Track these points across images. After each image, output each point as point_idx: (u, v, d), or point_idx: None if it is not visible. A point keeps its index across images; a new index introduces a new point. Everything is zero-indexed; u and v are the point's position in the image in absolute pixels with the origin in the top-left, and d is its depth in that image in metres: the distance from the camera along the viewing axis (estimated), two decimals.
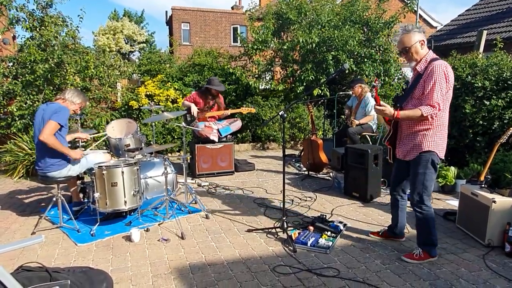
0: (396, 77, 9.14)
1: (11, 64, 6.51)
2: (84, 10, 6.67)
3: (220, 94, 6.05)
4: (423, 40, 2.91)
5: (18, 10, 6.23)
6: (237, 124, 6.11)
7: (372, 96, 3.01)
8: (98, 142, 5.19)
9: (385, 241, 3.50)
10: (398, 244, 3.41)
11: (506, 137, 3.71)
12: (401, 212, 3.35)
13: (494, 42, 6.58)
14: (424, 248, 3.09)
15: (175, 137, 7.54)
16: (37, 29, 6.32)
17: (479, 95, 5.30)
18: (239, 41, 9.52)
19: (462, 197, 3.71)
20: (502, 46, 6.49)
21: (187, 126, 4.85)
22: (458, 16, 13.53)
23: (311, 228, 3.64)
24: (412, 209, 3.13)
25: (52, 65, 6.17)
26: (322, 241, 3.39)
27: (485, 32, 6.43)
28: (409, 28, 2.93)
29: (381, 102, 2.94)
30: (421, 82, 2.86)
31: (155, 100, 7.86)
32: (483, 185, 3.62)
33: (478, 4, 13.40)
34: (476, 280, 2.81)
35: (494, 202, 3.25)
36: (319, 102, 8.69)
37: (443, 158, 3.01)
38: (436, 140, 2.91)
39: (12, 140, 6.06)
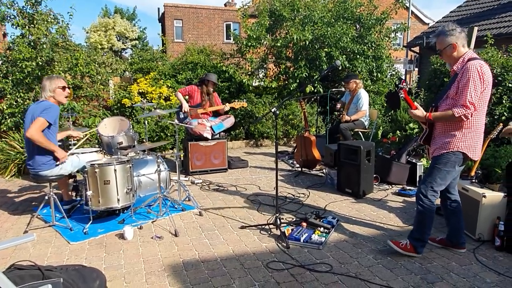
0: (389, 73, 9.19)
1: (0, 62, 6.44)
2: (74, 8, 6.61)
3: (215, 92, 6.05)
4: (456, 43, 2.81)
5: (8, 6, 6.15)
6: (230, 121, 6.11)
7: (401, 98, 2.96)
8: (91, 142, 5.15)
9: (377, 236, 3.54)
10: (390, 239, 3.44)
11: (496, 133, 3.75)
12: (453, 215, 3.16)
13: (485, 38, 6.64)
14: (412, 242, 3.10)
15: (168, 134, 7.52)
16: (27, 27, 6.25)
17: None
18: (232, 38, 9.49)
19: None
20: (492, 42, 6.56)
21: (180, 124, 4.84)
22: (450, 12, 13.61)
23: (304, 224, 3.66)
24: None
25: (40, 63, 6.10)
26: (315, 237, 3.41)
27: (476, 29, 6.46)
28: (443, 29, 2.86)
29: (415, 104, 2.90)
30: (455, 82, 2.81)
31: (147, 97, 7.82)
32: (473, 180, 3.66)
33: (469, 0, 13.49)
34: (466, 274, 2.85)
35: (484, 196, 3.29)
36: (312, 99, 8.71)
37: (475, 159, 2.96)
38: (466, 141, 2.85)
39: (3, 139, 6.01)
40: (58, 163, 3.77)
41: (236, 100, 6.20)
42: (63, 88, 3.81)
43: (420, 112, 2.93)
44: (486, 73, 2.74)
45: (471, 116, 2.76)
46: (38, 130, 3.54)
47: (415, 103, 2.96)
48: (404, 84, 2.97)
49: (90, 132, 5.06)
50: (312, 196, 4.77)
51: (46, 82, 3.75)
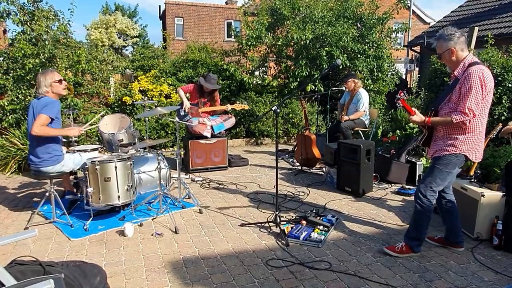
0: (389, 73, 9.19)
1: (1, 58, 6.44)
2: (75, 4, 6.60)
3: (217, 92, 6.05)
4: (454, 48, 2.82)
5: (9, 3, 6.15)
6: (231, 121, 6.11)
7: (399, 107, 3.00)
8: (92, 139, 5.16)
9: (376, 235, 3.55)
10: (389, 238, 3.47)
11: (496, 133, 3.77)
12: (448, 214, 3.18)
13: (485, 38, 6.65)
14: (408, 242, 3.11)
15: (169, 132, 7.53)
16: (28, 23, 6.25)
17: None
18: (233, 36, 9.48)
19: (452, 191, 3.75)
20: (493, 42, 6.56)
21: (181, 121, 4.84)
22: (451, 12, 13.62)
23: (304, 222, 3.68)
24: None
25: (43, 60, 6.11)
26: (314, 235, 3.43)
27: (476, 29, 6.47)
28: (442, 33, 2.86)
29: (414, 110, 2.94)
30: (457, 87, 2.81)
31: (148, 95, 7.83)
32: (472, 180, 3.67)
33: (470, 0, 13.50)
34: (464, 272, 2.87)
35: (483, 196, 3.30)
36: (313, 98, 8.71)
37: (476, 161, 3.01)
38: (469, 144, 2.86)
39: (3, 135, 6.02)
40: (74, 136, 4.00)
41: (238, 102, 6.21)
42: (59, 81, 3.81)
43: (418, 117, 2.96)
44: (487, 79, 2.74)
45: (469, 123, 2.77)
46: (40, 126, 3.56)
47: (413, 108, 2.98)
48: (401, 95, 2.99)
49: (98, 118, 4.93)
50: (311, 195, 4.79)
51: (41, 78, 3.75)
